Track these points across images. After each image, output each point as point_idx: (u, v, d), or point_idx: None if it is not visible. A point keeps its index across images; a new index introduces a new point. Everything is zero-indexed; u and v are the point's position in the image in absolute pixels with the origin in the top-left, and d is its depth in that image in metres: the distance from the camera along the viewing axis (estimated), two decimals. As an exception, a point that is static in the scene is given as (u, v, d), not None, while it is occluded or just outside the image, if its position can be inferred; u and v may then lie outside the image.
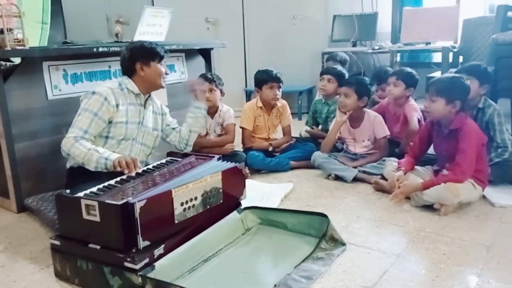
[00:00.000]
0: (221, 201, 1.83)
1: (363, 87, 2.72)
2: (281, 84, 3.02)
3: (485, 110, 2.45)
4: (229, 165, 1.93)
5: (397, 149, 2.83)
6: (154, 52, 2.18)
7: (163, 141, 2.44)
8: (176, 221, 1.62)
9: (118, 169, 1.87)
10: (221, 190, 1.82)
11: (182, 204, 1.64)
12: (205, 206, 1.74)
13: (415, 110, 2.89)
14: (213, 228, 1.78)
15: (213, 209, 1.79)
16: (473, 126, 2.21)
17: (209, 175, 1.77)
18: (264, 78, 3.00)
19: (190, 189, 1.67)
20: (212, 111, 2.91)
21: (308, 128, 3.38)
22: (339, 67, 3.25)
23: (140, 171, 1.90)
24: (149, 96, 2.28)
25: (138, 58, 2.16)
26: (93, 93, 2.06)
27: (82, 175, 1.95)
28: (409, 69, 2.98)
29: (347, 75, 3.16)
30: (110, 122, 2.09)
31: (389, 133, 2.77)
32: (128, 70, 2.19)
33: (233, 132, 2.99)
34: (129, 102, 2.16)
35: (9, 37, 2.19)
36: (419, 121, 2.84)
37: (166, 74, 2.25)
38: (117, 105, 2.10)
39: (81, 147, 1.96)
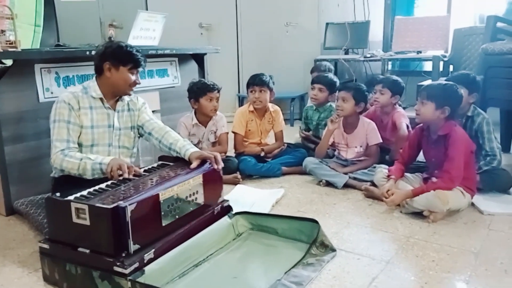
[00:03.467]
0: (202, 203, 1.84)
1: (361, 93, 2.75)
2: (264, 88, 2.98)
3: (474, 118, 2.49)
4: (208, 167, 1.92)
5: (387, 156, 2.85)
6: (128, 58, 2.03)
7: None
8: (163, 224, 1.63)
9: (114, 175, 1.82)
10: (202, 192, 1.83)
11: (168, 206, 1.65)
12: (188, 209, 1.75)
13: (403, 116, 2.93)
14: (204, 233, 1.79)
15: (196, 211, 1.80)
16: (461, 133, 2.23)
17: (191, 178, 1.78)
18: (248, 82, 3.06)
19: (175, 192, 1.68)
20: (207, 119, 2.91)
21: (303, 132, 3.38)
22: (330, 76, 3.27)
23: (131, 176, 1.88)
24: (120, 96, 2.13)
25: (108, 58, 2.02)
26: (57, 102, 1.99)
27: (66, 183, 1.91)
28: (395, 77, 3.02)
29: (338, 83, 3.19)
30: (82, 127, 2.01)
31: (381, 141, 2.79)
32: (97, 68, 2.06)
33: (226, 142, 2.98)
34: (94, 105, 2.04)
35: (1, 39, 2.18)
36: (407, 127, 2.87)
37: (136, 84, 2.08)
38: (79, 109, 2.00)
39: (72, 159, 1.90)
